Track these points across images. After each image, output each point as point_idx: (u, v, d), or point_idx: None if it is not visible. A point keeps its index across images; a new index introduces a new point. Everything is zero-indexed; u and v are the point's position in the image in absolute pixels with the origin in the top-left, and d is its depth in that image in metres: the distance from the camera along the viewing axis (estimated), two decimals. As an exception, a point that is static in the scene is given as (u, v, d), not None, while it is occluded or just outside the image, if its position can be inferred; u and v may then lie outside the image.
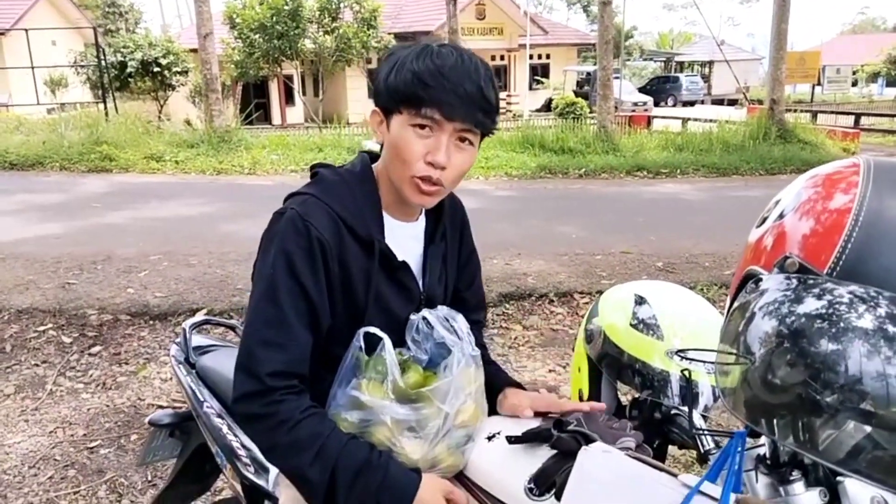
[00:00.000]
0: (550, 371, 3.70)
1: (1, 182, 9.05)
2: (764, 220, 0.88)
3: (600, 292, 5.16)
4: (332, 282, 1.13)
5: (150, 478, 2.73)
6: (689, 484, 0.77)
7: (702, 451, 1.13)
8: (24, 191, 8.38)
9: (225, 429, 1.41)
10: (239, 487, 1.41)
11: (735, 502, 0.74)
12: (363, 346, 1.11)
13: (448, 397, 1.08)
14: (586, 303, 4.58)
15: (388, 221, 1.21)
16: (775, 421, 0.75)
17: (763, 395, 0.75)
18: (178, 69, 19.09)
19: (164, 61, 18.57)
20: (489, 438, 1.12)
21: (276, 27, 19.76)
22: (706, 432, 1.12)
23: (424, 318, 1.17)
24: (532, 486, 0.97)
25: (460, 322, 1.18)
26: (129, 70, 18.40)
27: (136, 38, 19.85)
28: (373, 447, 1.08)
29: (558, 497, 0.92)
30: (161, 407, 3.25)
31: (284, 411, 1.06)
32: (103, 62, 14.43)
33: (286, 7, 19.74)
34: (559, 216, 7.48)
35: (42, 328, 4.10)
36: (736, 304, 0.84)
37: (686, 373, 0.97)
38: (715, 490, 0.76)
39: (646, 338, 1.31)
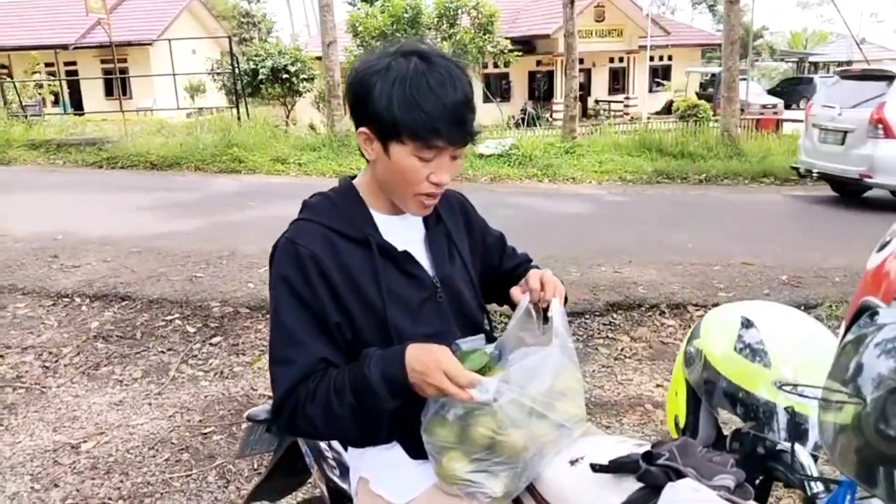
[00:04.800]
0: (658, 386, 3.54)
1: (142, 181, 9.83)
2: (884, 245, 0.78)
3: (716, 305, 4.89)
4: (336, 289, 1.18)
5: (255, 465, 2.86)
6: (782, 532, 0.69)
7: (808, 494, 1.02)
8: (162, 189, 9.04)
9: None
10: (325, 489, 1.43)
11: (837, 558, 0.66)
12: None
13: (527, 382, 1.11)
14: (700, 316, 4.35)
15: (381, 218, 1.27)
16: (883, 475, 0.66)
17: (872, 444, 0.66)
18: (305, 76, 19.97)
19: (292, 68, 19.46)
20: (572, 463, 1.07)
21: (396, 34, 20.23)
22: (812, 478, 1.01)
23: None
24: (614, 517, 0.92)
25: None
26: (260, 77, 19.44)
27: (267, 47, 20.96)
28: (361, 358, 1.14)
29: (642, 533, 0.86)
30: (270, 397, 3.40)
31: (303, 401, 1.15)
32: (237, 69, 15.33)
33: (406, 15, 20.20)
34: (675, 223, 7.17)
35: (169, 317, 4.40)
36: (849, 337, 0.74)
37: (794, 406, 0.87)
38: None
39: (751, 364, 1.20)
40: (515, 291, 1.30)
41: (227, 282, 4.95)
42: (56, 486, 2.71)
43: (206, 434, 3.10)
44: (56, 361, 3.82)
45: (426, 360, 1.06)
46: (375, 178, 1.25)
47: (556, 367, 1.13)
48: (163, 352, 3.98)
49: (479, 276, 1.40)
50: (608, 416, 3.22)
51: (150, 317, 4.41)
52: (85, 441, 3.04)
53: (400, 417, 1.17)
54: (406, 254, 1.24)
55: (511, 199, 8.32)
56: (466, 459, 1.08)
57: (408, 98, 1.11)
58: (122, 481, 2.74)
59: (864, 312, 0.75)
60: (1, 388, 3.52)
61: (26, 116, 13.35)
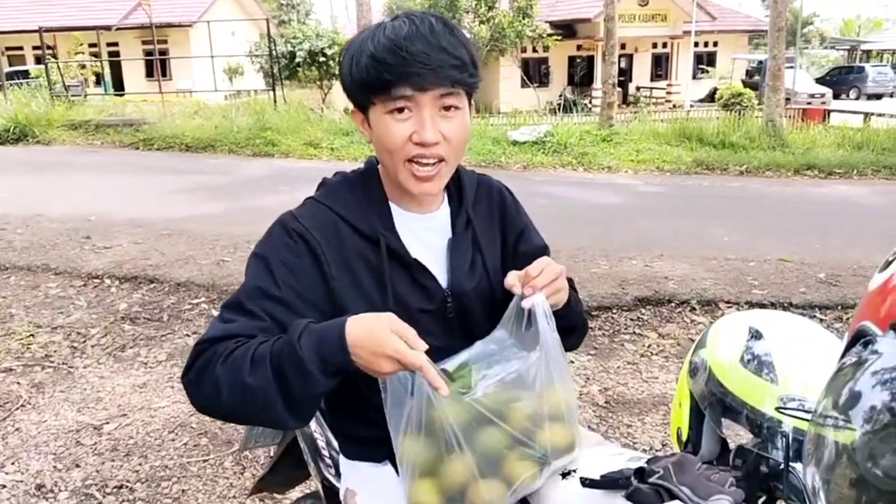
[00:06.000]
0: (683, 385, 3.45)
1: (176, 163, 9.96)
2: (888, 263, 0.71)
3: (749, 303, 4.77)
4: (331, 282, 1.08)
5: (271, 453, 2.86)
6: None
7: (811, 519, 0.95)
8: (195, 171, 9.15)
9: (313, 425, 1.42)
10: (320, 487, 1.41)
11: None
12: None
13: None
14: (732, 313, 4.23)
15: (402, 215, 1.15)
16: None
17: (858, 479, 0.60)
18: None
19: (329, 52, 19.53)
20: (564, 476, 1.02)
21: (433, 17, 20.14)
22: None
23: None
24: (603, 537, 0.87)
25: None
26: (297, 60, 19.56)
27: (304, 30, 21.07)
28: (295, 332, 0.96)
29: (630, 554, 0.81)
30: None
31: (216, 359, 0.98)
32: (274, 52, 15.42)
33: (444, -3, 20.08)
34: (712, 216, 6.99)
35: (196, 301, 4.44)
36: (847, 359, 0.68)
37: (800, 425, 0.81)
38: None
39: (757, 379, 1.13)
40: (511, 277, 1.09)
41: (254, 266, 4.97)
42: (77, 466, 2.76)
43: (224, 419, 3.11)
44: (84, 342, 3.89)
45: (375, 328, 0.92)
46: (382, 163, 1.14)
47: (541, 382, 1.00)
48: (188, 335, 4.02)
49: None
50: (630, 415, 3.14)
51: (177, 300, 4.46)
52: (107, 422, 3.08)
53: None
54: (417, 264, 1.13)
55: (543, 187, 8.20)
56: (440, 495, 0.97)
57: (364, 50, 1.02)
58: (140, 464, 2.77)
59: (862, 337, 0.69)
60: (31, 366, 3.60)
61: (69, 96, 13.62)
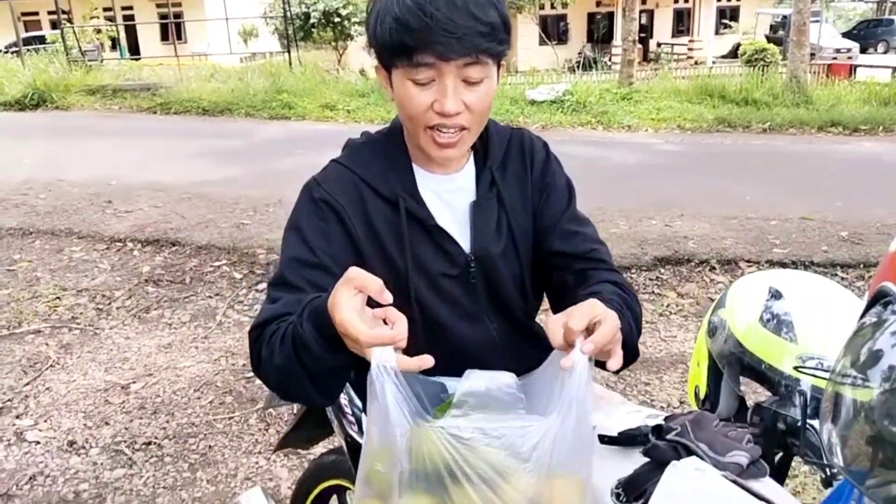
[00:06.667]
0: (702, 344, 3.46)
1: (193, 127, 9.97)
2: None
3: (770, 261, 4.73)
4: (358, 244, 1.07)
5: (295, 411, 2.92)
6: (790, 526, 0.65)
7: (827, 474, 0.96)
8: (213, 135, 9.16)
9: (336, 384, 1.44)
10: (344, 444, 1.44)
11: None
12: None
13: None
14: (752, 272, 4.21)
15: (426, 177, 1.11)
16: (875, 473, 0.61)
17: (875, 436, 0.61)
18: (357, 19, 19.76)
19: (343, 11, 19.29)
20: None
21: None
22: (821, 463, 0.95)
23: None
24: (620, 491, 0.88)
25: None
26: (312, 21, 19.34)
27: (319, -11, 20.78)
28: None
29: (646, 508, 0.82)
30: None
31: (264, 342, 0.96)
32: (289, 13, 15.25)
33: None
34: (733, 175, 6.90)
35: (217, 263, 4.49)
36: (868, 319, 0.68)
37: (818, 383, 0.81)
38: (823, 535, 0.64)
39: (776, 338, 1.13)
40: (553, 324, 0.85)
41: (273, 229, 5.01)
42: (107, 423, 2.84)
43: (248, 378, 3.17)
44: (109, 304, 3.96)
45: (337, 289, 0.82)
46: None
47: (539, 460, 0.78)
48: (210, 297, 4.08)
49: (539, 255, 1.15)
50: (648, 374, 3.16)
51: (199, 262, 4.52)
52: (134, 382, 3.16)
53: None
54: (437, 228, 1.09)
55: (561, 147, 8.00)
56: None
57: (388, 10, 0.96)
58: (167, 421, 2.85)
59: (882, 298, 0.68)
60: (58, 328, 3.68)
61: (86, 62, 13.62)
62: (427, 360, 0.81)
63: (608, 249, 1.16)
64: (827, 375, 0.93)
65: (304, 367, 0.89)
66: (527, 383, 0.87)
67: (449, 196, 1.12)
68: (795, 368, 1.06)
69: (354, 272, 0.80)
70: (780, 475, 1.13)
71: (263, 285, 4.19)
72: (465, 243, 1.11)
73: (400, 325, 0.80)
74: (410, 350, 1.10)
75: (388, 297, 0.79)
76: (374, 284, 0.79)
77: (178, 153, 7.91)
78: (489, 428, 0.79)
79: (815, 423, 1.00)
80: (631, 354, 1.00)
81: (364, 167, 1.10)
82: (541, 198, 1.16)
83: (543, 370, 0.87)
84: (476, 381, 0.85)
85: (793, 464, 1.22)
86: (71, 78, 12.19)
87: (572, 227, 1.14)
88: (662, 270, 4.31)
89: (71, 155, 7.76)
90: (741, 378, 1.18)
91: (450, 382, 0.98)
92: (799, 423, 1.01)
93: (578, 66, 16.00)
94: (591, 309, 0.83)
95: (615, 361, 0.83)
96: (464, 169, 1.14)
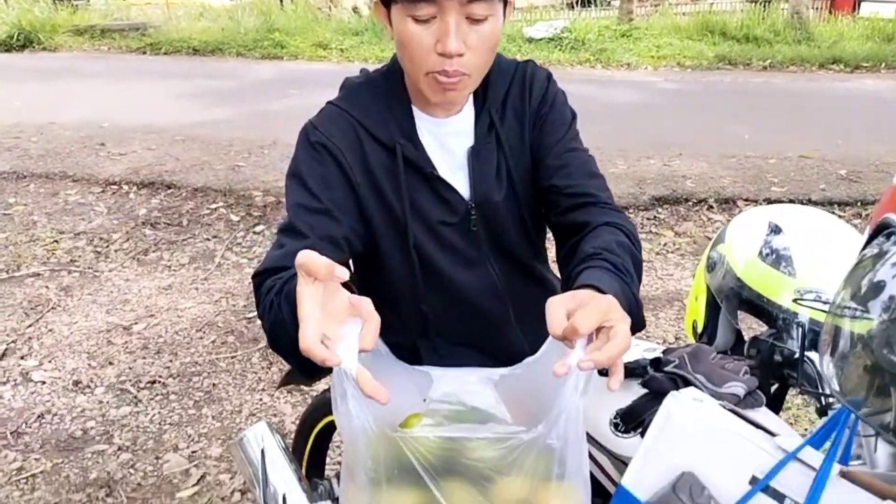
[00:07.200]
0: (698, 282, 3.49)
1: (184, 67, 9.76)
2: None
3: (768, 200, 4.73)
4: (357, 188, 1.04)
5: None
6: (787, 449, 0.66)
7: (822, 404, 0.98)
8: (204, 76, 8.98)
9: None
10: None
11: (839, 474, 0.63)
12: None
13: None
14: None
15: (425, 120, 1.06)
16: (871, 401, 0.62)
17: (872, 365, 0.62)
18: (349, -47, 19.17)
19: (334, -55, 18.67)
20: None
21: None
22: (817, 392, 0.97)
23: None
24: (618, 421, 0.90)
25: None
26: (302, -45, 18.75)
27: (309, -78, 20.06)
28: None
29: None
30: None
31: (262, 292, 0.92)
32: (278, -52, 14.76)
33: None
34: (733, 113, 6.82)
35: (214, 206, 4.48)
36: (868, 251, 0.69)
37: (815, 316, 0.83)
38: (818, 458, 0.66)
39: (775, 272, 1.14)
40: (556, 309, 0.73)
41: (269, 171, 4.97)
42: (111, 363, 2.88)
43: (249, 319, 3.21)
44: (107, 247, 3.97)
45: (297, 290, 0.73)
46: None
47: (539, 471, 0.71)
48: (208, 239, 4.08)
49: (540, 197, 1.09)
50: (645, 311, 3.19)
51: (196, 205, 4.50)
52: (136, 323, 3.19)
53: None
54: (435, 176, 1.05)
55: (560, 86, 7.98)
56: None
57: None
58: (171, 361, 2.89)
59: (884, 230, 0.69)
60: (57, 271, 3.69)
61: (72, 1, 13.24)
62: (383, 396, 0.70)
63: (604, 182, 1.09)
64: (825, 308, 0.94)
65: (288, 343, 0.81)
66: (514, 376, 0.82)
67: (447, 140, 1.08)
68: (794, 301, 1.08)
69: (302, 257, 0.68)
70: (775, 406, 1.16)
71: (261, 227, 4.19)
72: (464, 190, 1.07)
73: (369, 326, 0.71)
74: (409, 298, 1.12)
75: (342, 275, 0.69)
76: (322, 268, 0.68)
77: (170, 94, 7.78)
78: (461, 439, 0.73)
79: (813, 354, 1.01)
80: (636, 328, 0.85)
81: (361, 110, 1.06)
82: (537, 131, 1.10)
83: (534, 362, 0.82)
84: (451, 383, 0.80)
85: (787, 396, 1.26)
86: (57, 18, 11.88)
87: (562, 161, 1.07)
88: (660, 210, 4.31)
89: (61, 97, 7.63)
90: (739, 312, 1.20)
91: (436, 372, 0.97)
92: (796, 356, 1.03)
93: (577, 3, 15.60)
94: (605, 310, 0.72)
95: (615, 381, 0.72)
96: (462, 111, 1.08)
